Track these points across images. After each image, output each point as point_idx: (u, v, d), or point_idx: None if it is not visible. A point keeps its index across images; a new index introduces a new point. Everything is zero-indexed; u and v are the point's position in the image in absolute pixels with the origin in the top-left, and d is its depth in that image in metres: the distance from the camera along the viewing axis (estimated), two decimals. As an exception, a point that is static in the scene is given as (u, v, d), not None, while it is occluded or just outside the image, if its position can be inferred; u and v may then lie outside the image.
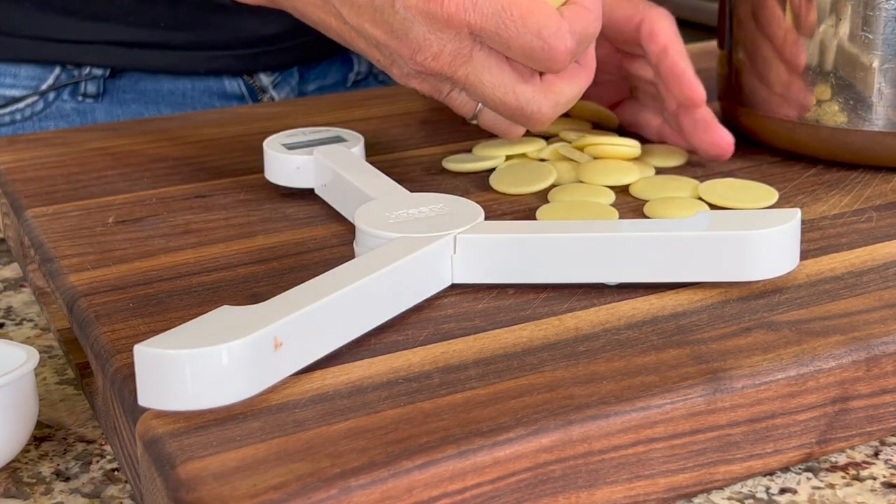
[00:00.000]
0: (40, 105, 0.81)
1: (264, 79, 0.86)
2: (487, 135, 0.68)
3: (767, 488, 0.42)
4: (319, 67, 0.89)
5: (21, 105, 0.81)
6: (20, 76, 0.81)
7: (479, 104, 0.57)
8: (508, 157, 0.64)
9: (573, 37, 0.53)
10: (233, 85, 0.85)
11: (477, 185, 0.61)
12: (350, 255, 0.51)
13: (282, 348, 0.41)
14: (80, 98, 0.81)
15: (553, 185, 0.60)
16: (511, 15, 0.52)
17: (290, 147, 0.59)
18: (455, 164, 0.63)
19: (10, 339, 0.55)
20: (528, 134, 0.63)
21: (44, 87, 0.81)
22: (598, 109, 0.68)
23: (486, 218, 0.50)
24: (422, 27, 0.52)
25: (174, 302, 0.48)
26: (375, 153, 0.65)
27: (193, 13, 0.80)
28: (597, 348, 0.44)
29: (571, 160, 0.62)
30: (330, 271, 0.45)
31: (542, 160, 0.63)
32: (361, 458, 0.37)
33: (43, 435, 0.47)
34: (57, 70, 0.81)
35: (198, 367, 0.38)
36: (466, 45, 0.53)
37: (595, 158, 0.62)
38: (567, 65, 0.54)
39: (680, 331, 0.45)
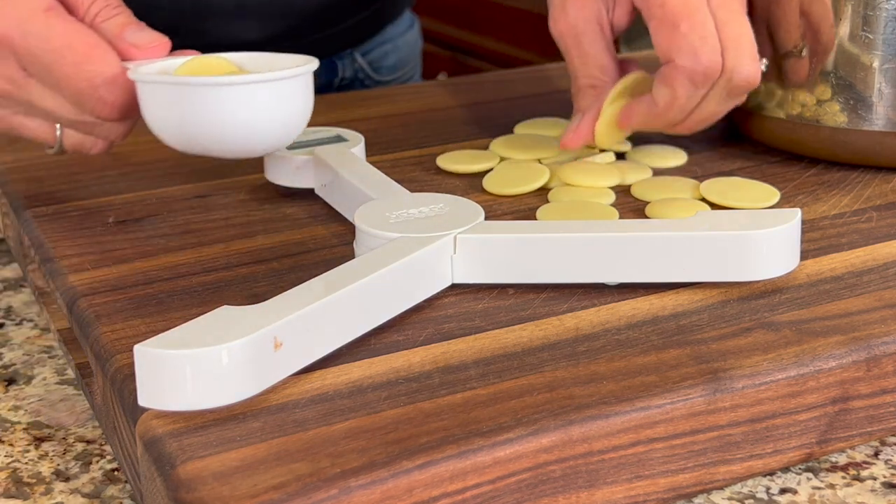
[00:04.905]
0: None
1: None
2: (486, 134, 0.68)
3: (768, 488, 0.42)
4: None
5: None
6: None
7: (59, 129, 0.55)
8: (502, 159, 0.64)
9: (125, 90, 0.51)
10: None
11: (476, 185, 0.61)
12: (350, 255, 0.51)
13: (282, 348, 0.41)
14: None
15: (544, 187, 0.60)
16: (64, 58, 0.50)
17: (290, 147, 0.59)
18: (451, 163, 0.63)
19: (10, 339, 0.55)
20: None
21: None
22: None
23: (486, 218, 0.50)
24: None
25: (174, 302, 0.48)
26: (375, 153, 0.65)
27: (172, 19, 0.80)
28: (597, 348, 0.44)
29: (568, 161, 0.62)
30: (330, 271, 0.45)
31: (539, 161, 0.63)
32: (361, 458, 0.37)
33: (43, 435, 0.47)
34: None
35: (198, 367, 0.38)
36: (18, 73, 0.52)
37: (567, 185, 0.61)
38: (115, 116, 0.52)
39: (680, 331, 0.45)
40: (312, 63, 0.53)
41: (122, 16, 0.54)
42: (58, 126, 0.55)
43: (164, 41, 0.54)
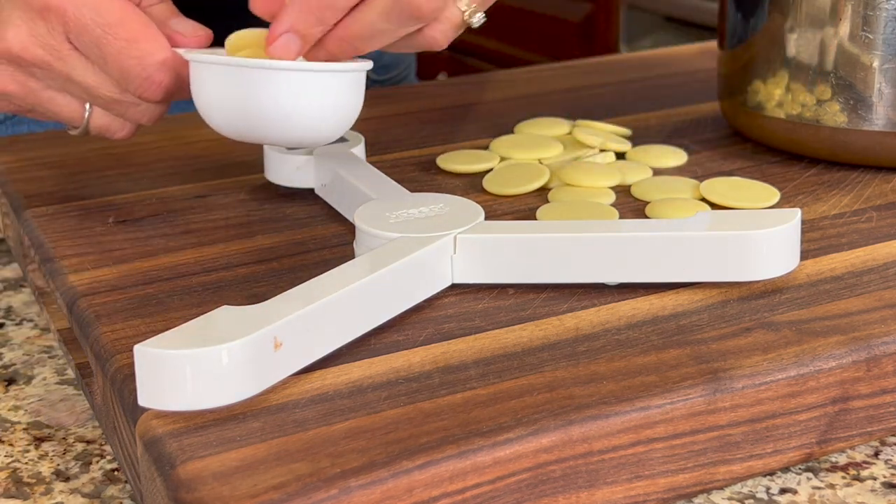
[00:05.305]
0: None
1: None
2: (486, 134, 0.68)
3: (768, 488, 0.42)
4: None
5: None
6: None
7: (88, 109, 0.55)
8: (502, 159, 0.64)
9: (174, 72, 0.52)
10: None
11: (476, 185, 0.61)
12: (350, 255, 0.51)
13: (282, 348, 0.41)
14: None
15: (544, 187, 0.60)
16: (116, 34, 0.51)
17: (291, 147, 0.59)
18: (451, 163, 0.63)
19: (10, 339, 0.55)
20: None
21: None
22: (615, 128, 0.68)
23: (486, 218, 0.50)
24: (15, 9, 0.51)
25: (174, 302, 0.48)
26: (375, 153, 0.65)
27: None
28: (597, 348, 0.44)
29: (567, 161, 0.62)
30: (330, 271, 0.45)
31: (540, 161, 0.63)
32: (361, 458, 0.37)
33: (43, 435, 0.47)
34: None
35: (198, 367, 0.38)
36: (64, 45, 0.52)
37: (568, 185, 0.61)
38: (159, 98, 0.53)
39: (680, 331, 0.45)
40: (367, 63, 0.53)
41: (167, 4, 0.55)
42: (87, 105, 0.55)
43: (207, 32, 0.54)
